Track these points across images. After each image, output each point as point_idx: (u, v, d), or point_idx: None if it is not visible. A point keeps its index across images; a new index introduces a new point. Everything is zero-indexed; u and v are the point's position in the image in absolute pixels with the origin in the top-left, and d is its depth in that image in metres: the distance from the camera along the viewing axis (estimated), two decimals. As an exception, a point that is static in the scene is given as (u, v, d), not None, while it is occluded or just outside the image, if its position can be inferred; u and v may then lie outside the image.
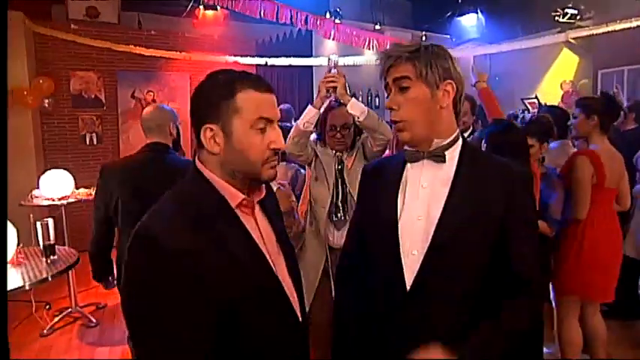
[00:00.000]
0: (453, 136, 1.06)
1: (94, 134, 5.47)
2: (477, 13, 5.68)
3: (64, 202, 3.47)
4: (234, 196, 0.91)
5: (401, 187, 1.08)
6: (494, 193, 1.02)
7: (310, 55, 5.56)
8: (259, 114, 0.89)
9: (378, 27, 5.59)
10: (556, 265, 2.29)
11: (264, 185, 0.99)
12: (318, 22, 4.78)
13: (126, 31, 5.36)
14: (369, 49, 5.35)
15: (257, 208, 0.98)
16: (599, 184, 2.22)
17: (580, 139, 2.50)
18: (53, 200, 3.44)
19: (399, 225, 1.05)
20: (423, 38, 6.25)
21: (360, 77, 5.94)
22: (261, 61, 4.98)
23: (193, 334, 0.80)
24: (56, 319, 3.35)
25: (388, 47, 1.12)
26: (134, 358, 2.52)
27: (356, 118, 1.90)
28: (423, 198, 1.04)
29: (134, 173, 1.95)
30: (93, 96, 5.39)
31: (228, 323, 0.86)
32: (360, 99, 6.20)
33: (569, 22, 4.99)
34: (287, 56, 5.21)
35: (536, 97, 5.78)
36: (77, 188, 3.68)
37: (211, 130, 0.88)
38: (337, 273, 1.36)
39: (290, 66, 5.29)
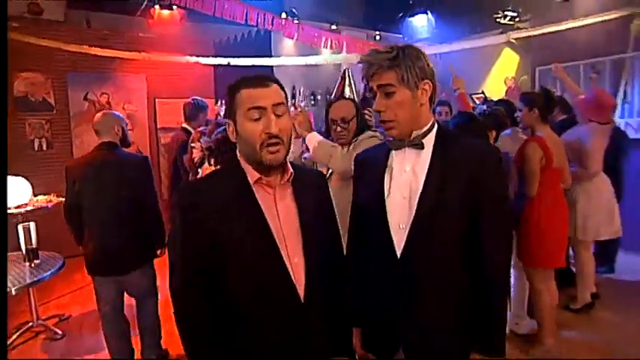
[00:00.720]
0: (429, 124, 1.23)
1: (43, 139, 5.16)
2: (426, 14, 5.98)
3: (22, 210, 3.29)
4: (252, 174, 1.12)
5: (387, 171, 1.26)
6: (466, 172, 1.18)
7: (269, 55, 5.60)
8: (250, 105, 1.07)
9: (334, 27, 5.73)
10: (517, 240, 2.55)
11: (289, 167, 1.15)
12: (283, 24, 4.85)
13: (73, 30, 5.11)
14: (328, 48, 5.50)
15: (285, 188, 1.15)
16: (547, 165, 2.52)
17: (526, 129, 2.79)
18: (9, 209, 3.25)
19: (387, 204, 1.22)
20: (377, 38, 6.49)
21: (319, 77, 6.06)
22: (223, 61, 4.92)
23: (189, 260, 1.10)
24: (15, 335, 3.13)
25: (368, 53, 1.22)
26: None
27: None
28: (406, 180, 1.22)
29: (92, 165, 2.39)
30: (40, 99, 5.09)
31: (220, 274, 1.09)
32: (319, 97, 6.33)
33: (510, 24, 5.40)
34: (246, 56, 5.19)
35: (482, 93, 6.18)
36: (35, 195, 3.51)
37: (229, 125, 1.14)
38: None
39: (250, 66, 5.29)
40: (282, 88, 1.15)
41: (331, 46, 5.43)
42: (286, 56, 5.85)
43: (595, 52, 4.76)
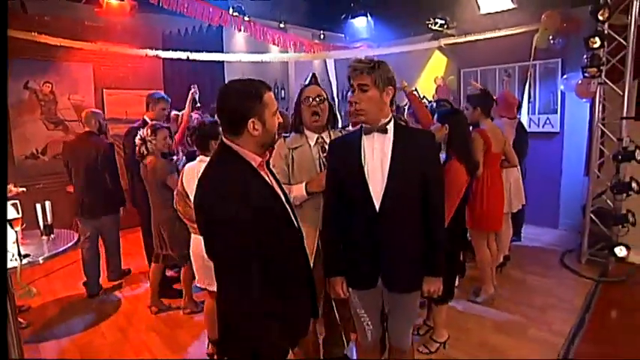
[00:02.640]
0: (389, 117, 1.74)
1: (-25, 130, 4.88)
2: (366, 16, 6.44)
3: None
4: (256, 160, 1.41)
5: (361, 150, 1.73)
6: (416, 150, 1.72)
7: (221, 50, 5.70)
8: (276, 106, 1.43)
9: (282, 25, 5.98)
10: (468, 210, 3.01)
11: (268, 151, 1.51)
12: (233, 19, 5.00)
13: (9, 15, 4.83)
14: (276, 45, 5.76)
15: (265, 167, 1.49)
16: (487, 150, 3.10)
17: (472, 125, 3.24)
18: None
19: (365, 172, 1.70)
20: (322, 37, 6.85)
21: (268, 72, 6.30)
22: (183, 55, 4.94)
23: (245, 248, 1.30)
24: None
25: (355, 61, 1.69)
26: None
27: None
28: (377, 156, 1.71)
29: (76, 145, 3.78)
30: (-28, 87, 4.79)
31: (257, 235, 1.33)
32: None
33: (439, 30, 6.04)
34: (198, 50, 5.26)
35: (416, 90, 6.80)
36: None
37: (253, 122, 1.36)
38: (324, 215, 1.91)
39: (202, 61, 5.34)
40: None
41: (280, 43, 5.72)
42: (238, 52, 5.98)
43: (508, 58, 5.53)
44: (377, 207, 1.69)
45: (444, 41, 5.68)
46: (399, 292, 1.81)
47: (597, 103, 4.06)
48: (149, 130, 3.01)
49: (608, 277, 3.76)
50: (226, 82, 5.24)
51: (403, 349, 1.96)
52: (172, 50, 5.24)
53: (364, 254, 1.77)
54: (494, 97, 3.67)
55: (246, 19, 5.23)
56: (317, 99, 2.11)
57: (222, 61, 5.76)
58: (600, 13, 3.71)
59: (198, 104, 4.28)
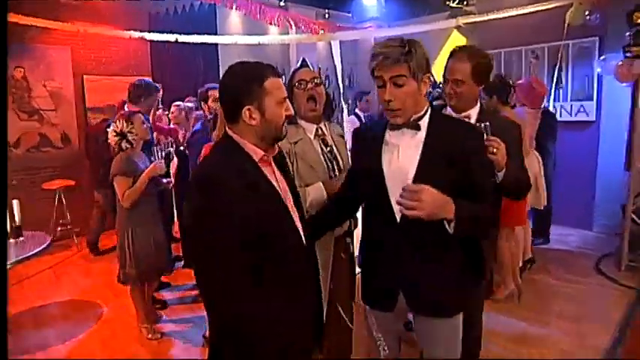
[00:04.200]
0: (425, 109, 1.51)
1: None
2: (376, -7, 6.31)
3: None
4: (257, 153, 1.36)
5: (383, 147, 1.54)
6: (456, 145, 1.46)
7: (214, 31, 5.58)
8: (283, 94, 1.36)
9: (282, 3, 5.87)
10: None
11: (277, 145, 1.44)
12: None
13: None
14: (276, 25, 5.64)
15: (271, 160, 1.43)
16: None
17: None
18: None
19: (385, 174, 1.51)
20: (326, 16, 6.73)
21: (267, 56, 6.18)
22: (171, 37, 4.83)
23: (230, 251, 1.26)
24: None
25: (382, 46, 1.42)
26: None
27: None
28: (402, 156, 1.50)
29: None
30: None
31: (254, 235, 1.29)
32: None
33: (457, 7, 5.89)
34: (188, 32, 5.11)
35: (432, 75, 6.71)
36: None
37: (249, 109, 1.31)
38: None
39: (193, 43, 5.20)
40: None
41: (280, 23, 5.60)
42: (233, 34, 5.86)
43: (535, 38, 5.37)
44: (397, 217, 1.50)
45: (462, 20, 5.49)
46: (429, 316, 1.59)
47: (638, 89, 3.92)
48: (124, 121, 2.88)
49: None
50: (220, 66, 5.29)
51: None
52: (160, 32, 5.12)
53: (382, 268, 1.61)
54: (512, 84, 3.57)
55: (242, -4, 5.13)
56: (313, 81, 1.99)
57: (216, 44, 5.63)
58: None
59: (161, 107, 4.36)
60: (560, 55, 5.04)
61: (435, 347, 1.62)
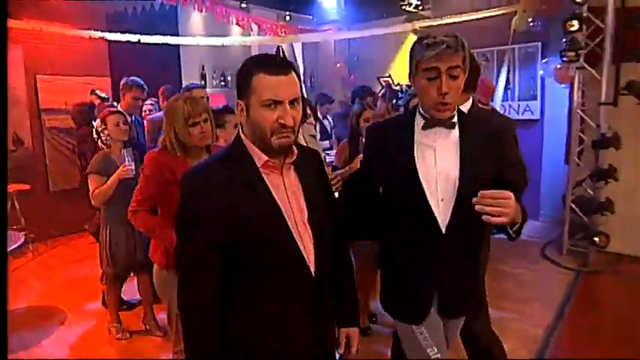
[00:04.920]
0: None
1: None
2: (336, -4, 6.55)
3: None
4: (260, 157, 1.20)
5: (416, 150, 1.44)
6: (492, 146, 1.45)
7: (176, 32, 5.60)
8: (268, 96, 1.12)
9: (244, 5, 5.96)
10: None
11: (294, 149, 1.24)
12: None
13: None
14: (237, 25, 5.75)
15: (289, 167, 1.26)
16: None
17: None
18: None
19: (423, 183, 1.40)
20: (287, 18, 6.88)
21: (228, 57, 6.26)
22: (133, 38, 4.82)
23: (202, 253, 1.19)
24: None
25: (435, 36, 1.33)
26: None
27: None
28: (440, 156, 1.42)
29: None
30: None
31: (232, 252, 1.18)
32: (230, 78, 6.52)
33: (413, 11, 6.22)
34: (149, 33, 5.14)
35: (389, 76, 7.00)
36: None
37: (239, 104, 1.19)
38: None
39: (154, 44, 5.21)
40: (298, 75, 1.21)
41: (242, 24, 5.71)
42: (195, 34, 5.91)
43: (485, 42, 5.76)
44: (442, 227, 1.42)
45: (418, 24, 5.84)
46: (459, 317, 1.61)
47: (576, 89, 4.33)
48: (99, 121, 2.93)
49: (588, 268, 4.02)
50: (182, 67, 5.24)
51: None
52: (120, 32, 5.11)
53: (418, 279, 1.50)
54: None
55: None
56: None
57: (178, 45, 5.66)
58: (578, -6, 3.95)
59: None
60: (507, 58, 5.46)
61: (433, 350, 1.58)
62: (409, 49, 1.43)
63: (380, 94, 5.87)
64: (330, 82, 7.41)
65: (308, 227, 1.25)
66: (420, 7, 6.16)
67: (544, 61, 5.23)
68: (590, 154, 4.18)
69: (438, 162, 1.43)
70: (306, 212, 1.26)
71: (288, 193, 1.24)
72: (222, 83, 6.32)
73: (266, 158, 1.20)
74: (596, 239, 3.88)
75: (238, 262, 1.20)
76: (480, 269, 1.58)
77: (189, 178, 1.25)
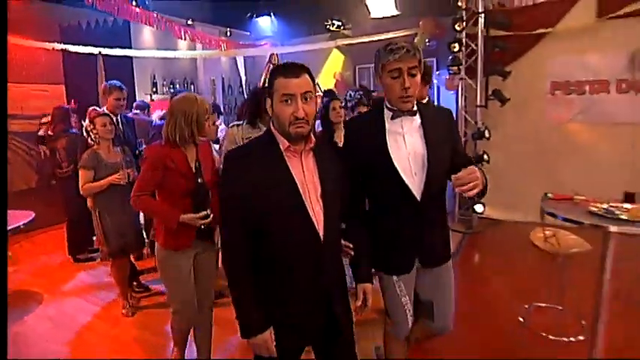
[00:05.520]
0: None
1: None
2: (270, 16, 7.42)
3: None
4: (283, 143, 1.46)
5: (387, 136, 1.72)
6: (444, 127, 1.77)
7: (129, 45, 6.08)
8: (282, 92, 1.40)
9: (189, 22, 6.62)
10: None
11: (312, 138, 1.49)
12: (144, 15, 5.50)
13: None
14: (185, 39, 6.40)
15: (308, 152, 1.50)
16: None
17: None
18: None
19: (395, 163, 1.69)
20: (228, 34, 7.63)
21: (177, 68, 6.87)
22: (95, 50, 5.23)
23: (236, 221, 1.45)
24: None
25: (399, 41, 1.65)
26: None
27: None
28: (409, 142, 1.71)
29: None
30: None
31: (260, 223, 1.44)
32: (178, 86, 7.09)
33: (336, 30, 7.26)
34: (102, 45, 5.59)
35: (317, 84, 8.00)
36: None
37: (268, 101, 1.47)
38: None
39: (108, 55, 5.67)
40: (312, 77, 1.45)
41: (189, 38, 6.37)
42: (145, 47, 6.44)
43: (395, 57, 6.96)
44: (418, 197, 1.70)
45: (339, 41, 6.91)
46: (438, 265, 1.86)
47: (460, 95, 5.56)
48: (89, 121, 3.35)
49: (472, 230, 5.23)
50: (135, 77, 5.77)
51: (449, 329, 1.97)
52: (74, 44, 5.50)
53: (403, 239, 1.79)
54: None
55: (154, 15, 5.77)
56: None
57: (131, 57, 6.13)
58: (457, 24, 5.18)
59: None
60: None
61: (447, 287, 1.91)
62: (374, 55, 1.75)
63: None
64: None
65: (320, 201, 1.49)
66: (342, 27, 7.22)
67: (437, 72, 6.47)
68: (471, 143, 5.39)
69: (407, 145, 1.71)
70: (319, 189, 1.49)
71: (305, 172, 1.48)
72: (172, 90, 6.86)
73: (287, 144, 1.46)
74: (476, 207, 5.07)
75: (264, 228, 1.45)
76: (445, 225, 1.89)
77: (231, 157, 1.52)
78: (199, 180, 2.26)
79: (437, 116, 1.81)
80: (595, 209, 2.00)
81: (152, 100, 6.40)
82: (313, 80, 1.47)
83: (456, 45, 5.27)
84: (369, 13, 6.76)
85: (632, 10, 4.56)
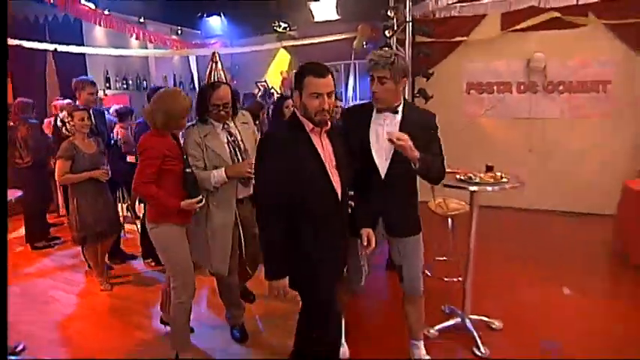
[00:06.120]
0: (401, 101, 2.13)
1: None
2: (220, 15, 7.77)
3: None
4: (309, 125, 1.85)
5: (372, 124, 2.13)
6: (421, 127, 2.12)
7: (81, 42, 6.21)
8: (313, 90, 1.78)
9: (141, 20, 6.86)
10: None
11: (329, 124, 1.87)
12: (92, 13, 5.70)
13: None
14: (137, 39, 6.65)
15: (324, 135, 1.89)
16: None
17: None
18: None
19: (372, 147, 2.12)
20: (179, 32, 7.91)
21: (130, 64, 7.09)
22: (50, 47, 5.36)
23: (276, 188, 1.81)
24: None
25: (375, 54, 2.05)
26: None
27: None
28: (383, 132, 2.10)
29: None
30: None
31: (296, 190, 1.81)
32: (131, 82, 7.29)
33: (283, 32, 7.75)
34: (54, 41, 5.70)
35: (265, 81, 8.45)
36: None
37: (296, 93, 1.85)
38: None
39: (55, 51, 5.73)
40: (333, 76, 1.82)
41: (140, 37, 6.62)
42: (98, 44, 6.56)
43: (336, 57, 7.52)
44: (382, 175, 2.13)
45: (285, 43, 7.42)
46: (403, 237, 2.22)
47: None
48: (67, 113, 3.56)
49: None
50: (88, 71, 6.03)
51: (420, 295, 2.33)
52: (23, 39, 5.44)
53: (370, 209, 2.14)
54: None
55: (106, 12, 5.95)
56: (224, 109, 2.52)
57: (84, 54, 6.24)
58: (387, 31, 5.86)
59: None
60: (352, 69, 7.33)
61: (412, 256, 2.26)
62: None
63: (259, 95, 7.33)
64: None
65: (335, 170, 1.90)
66: (288, 29, 7.72)
67: (373, 73, 7.19)
68: (401, 136, 6.13)
69: (383, 134, 2.08)
70: (334, 161, 1.90)
71: (324, 148, 1.89)
72: (125, 86, 7.09)
73: (312, 126, 1.85)
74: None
75: (299, 191, 1.81)
76: (410, 204, 2.26)
77: (268, 137, 2.01)
78: (187, 170, 2.45)
79: (418, 118, 2.17)
80: (462, 177, 2.63)
81: (105, 95, 6.58)
82: (334, 78, 1.85)
83: (387, 49, 5.95)
84: (313, 17, 7.28)
85: (527, 25, 5.45)
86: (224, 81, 3.50)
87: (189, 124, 2.62)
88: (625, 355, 2.58)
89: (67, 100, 4.92)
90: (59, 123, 3.75)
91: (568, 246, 4.56)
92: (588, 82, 5.40)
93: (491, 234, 4.28)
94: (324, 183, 1.85)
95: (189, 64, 7.88)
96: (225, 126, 2.59)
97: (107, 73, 6.75)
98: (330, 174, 1.86)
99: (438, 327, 2.80)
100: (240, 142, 2.61)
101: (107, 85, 6.56)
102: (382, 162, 2.11)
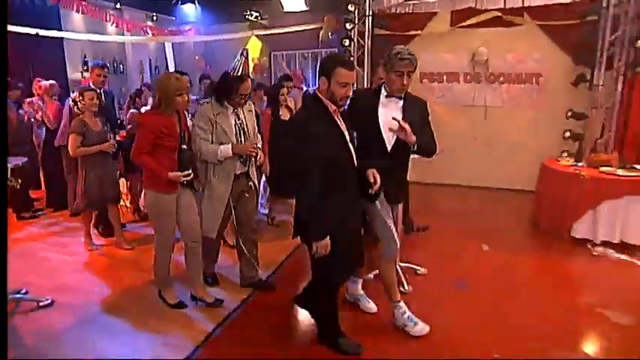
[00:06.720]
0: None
1: None
2: (194, 3, 8.08)
3: None
4: (331, 107, 2.22)
5: (379, 107, 2.52)
6: (417, 111, 2.56)
7: (59, 27, 6.38)
8: (343, 81, 2.16)
9: (117, 6, 7.13)
10: None
11: (343, 106, 2.26)
12: (69, 2, 5.95)
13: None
14: (111, 24, 6.93)
15: (340, 114, 2.28)
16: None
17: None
18: None
19: (381, 126, 2.50)
20: (154, 19, 8.19)
21: (107, 49, 7.36)
22: (32, 31, 5.50)
23: (313, 166, 2.14)
24: None
25: (406, 52, 2.43)
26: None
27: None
28: (391, 112, 2.47)
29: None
30: None
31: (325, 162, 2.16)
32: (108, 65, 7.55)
33: (254, 20, 8.13)
34: (31, 26, 5.73)
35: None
36: None
37: (323, 80, 2.19)
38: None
39: (37, 35, 5.81)
40: (354, 69, 2.22)
41: (117, 24, 6.92)
42: (75, 29, 6.71)
43: (304, 46, 7.98)
44: (389, 148, 2.51)
45: (256, 31, 7.83)
46: (396, 203, 2.73)
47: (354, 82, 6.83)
48: (78, 93, 3.92)
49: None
50: (66, 57, 6.36)
51: (393, 257, 2.72)
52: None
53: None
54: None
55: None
56: (245, 95, 2.98)
57: (62, 38, 6.43)
58: (348, 24, 6.41)
59: None
60: (318, 57, 7.81)
61: (398, 222, 2.87)
62: (385, 55, 2.51)
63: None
64: (192, 72, 8.84)
65: (350, 143, 2.31)
66: (259, 18, 8.11)
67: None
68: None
69: (389, 115, 2.44)
70: (348, 135, 2.30)
71: (341, 125, 2.28)
72: (103, 70, 7.33)
73: (334, 107, 2.23)
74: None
75: (326, 163, 2.15)
76: (404, 179, 2.81)
77: (299, 117, 2.50)
78: (184, 146, 2.82)
79: (415, 103, 2.59)
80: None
81: (83, 77, 6.86)
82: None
83: (347, 41, 6.51)
84: (282, 7, 7.70)
85: (472, 22, 6.09)
86: (249, 75, 3.96)
87: (204, 100, 2.98)
88: (519, 292, 3.32)
89: (51, 81, 5.24)
90: (71, 103, 4.12)
91: (496, 215, 5.34)
92: (523, 75, 6.11)
93: (433, 205, 5.18)
94: (347, 152, 2.27)
95: (165, 50, 8.20)
96: (235, 110, 2.99)
97: (85, 57, 7.03)
98: (349, 146, 2.29)
99: (373, 272, 3.38)
100: (245, 127, 3.03)
101: (85, 68, 6.84)
102: (389, 138, 2.50)
